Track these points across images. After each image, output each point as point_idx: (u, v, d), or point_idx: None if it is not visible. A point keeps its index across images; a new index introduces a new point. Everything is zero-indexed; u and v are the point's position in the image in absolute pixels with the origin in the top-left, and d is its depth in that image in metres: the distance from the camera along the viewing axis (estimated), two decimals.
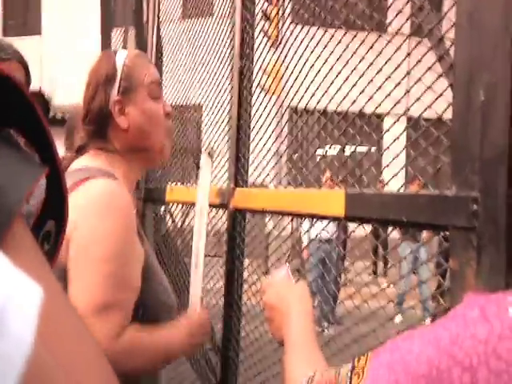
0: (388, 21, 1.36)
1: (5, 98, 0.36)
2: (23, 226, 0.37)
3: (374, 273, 8.16)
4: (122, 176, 1.33)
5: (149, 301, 1.28)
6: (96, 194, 1.22)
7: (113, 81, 1.35)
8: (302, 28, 1.79)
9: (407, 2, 1.18)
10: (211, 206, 2.37)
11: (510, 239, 0.88)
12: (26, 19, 16.08)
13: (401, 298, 5.52)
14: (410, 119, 1.33)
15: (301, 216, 1.66)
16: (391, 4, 1.30)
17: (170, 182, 2.97)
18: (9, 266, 0.34)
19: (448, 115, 1.06)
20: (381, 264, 8.63)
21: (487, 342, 0.56)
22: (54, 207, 0.43)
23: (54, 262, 0.43)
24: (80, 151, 1.39)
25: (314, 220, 1.65)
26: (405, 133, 1.39)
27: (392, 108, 1.33)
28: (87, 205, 1.20)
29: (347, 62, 1.49)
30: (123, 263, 1.20)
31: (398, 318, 5.15)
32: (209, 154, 1.68)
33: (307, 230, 1.86)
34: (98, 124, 1.35)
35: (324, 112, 1.69)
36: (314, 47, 1.68)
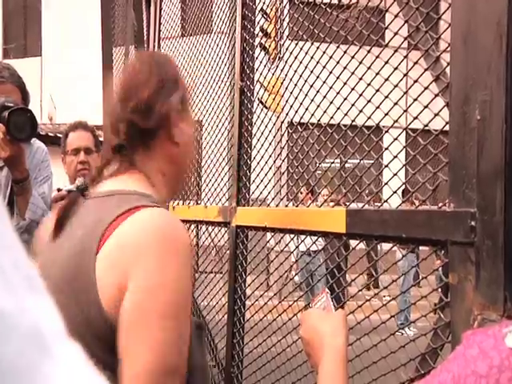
0: (386, 38, 1.40)
1: None
2: None
3: (374, 286, 8.10)
4: (159, 199, 1.13)
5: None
6: (158, 229, 1.02)
7: (177, 86, 1.16)
8: (303, 45, 1.82)
9: (404, 24, 1.22)
10: (213, 223, 2.40)
11: (507, 253, 0.91)
12: (26, 41, 16.27)
13: (405, 311, 5.51)
14: (411, 131, 1.36)
15: (302, 233, 1.69)
16: (389, 25, 1.34)
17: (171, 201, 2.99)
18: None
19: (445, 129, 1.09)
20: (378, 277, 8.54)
21: (488, 375, 0.58)
22: None
23: None
24: (106, 167, 1.18)
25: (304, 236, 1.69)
26: (404, 148, 1.42)
27: (391, 127, 1.37)
28: (148, 243, 1.00)
29: (347, 81, 1.52)
30: (186, 315, 1.01)
31: (410, 331, 5.16)
32: None
33: (297, 246, 1.88)
34: (148, 137, 1.14)
35: (325, 128, 1.72)
36: (315, 66, 1.71)
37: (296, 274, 2.14)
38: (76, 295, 1.04)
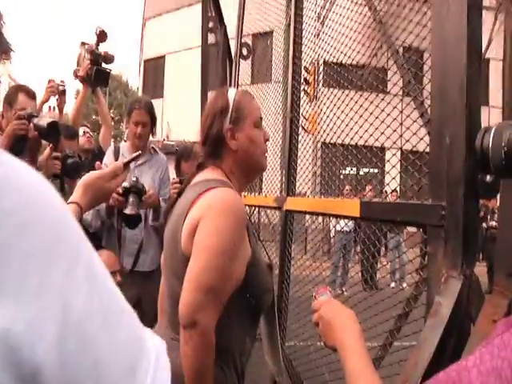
0: (388, 87, 1.41)
1: None
2: None
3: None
4: (233, 186, 1.16)
5: (254, 285, 1.10)
6: (219, 198, 1.06)
7: (226, 112, 1.18)
8: (333, 90, 1.83)
9: (398, 80, 1.23)
10: (271, 208, 2.45)
11: (465, 233, 0.91)
12: (155, 88, 16.96)
13: (393, 272, 5.39)
14: (404, 150, 1.36)
15: (330, 216, 1.70)
16: (390, 78, 1.35)
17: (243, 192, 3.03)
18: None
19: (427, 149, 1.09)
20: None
21: None
22: None
23: None
24: (199, 168, 1.22)
25: (338, 219, 1.70)
26: (399, 163, 1.42)
27: (390, 147, 1.38)
28: (211, 205, 1.05)
29: (362, 115, 1.54)
30: (232, 257, 1.02)
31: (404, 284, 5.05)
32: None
33: (334, 226, 1.90)
34: (214, 146, 1.19)
35: (344, 146, 1.73)
36: (341, 104, 1.73)
37: (331, 248, 2.14)
38: (174, 246, 1.10)
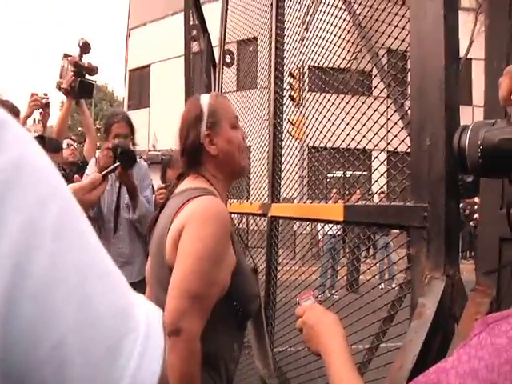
0: (370, 90, 1.41)
1: None
2: None
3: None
4: (216, 192, 1.15)
5: (239, 292, 1.09)
6: (202, 206, 1.05)
7: (200, 120, 1.17)
8: (320, 94, 1.84)
9: (380, 81, 1.24)
10: (256, 214, 2.44)
11: (447, 234, 0.91)
12: (141, 98, 16.91)
13: (381, 273, 5.42)
14: (387, 152, 1.36)
15: (315, 221, 1.71)
16: (371, 81, 1.35)
17: (229, 199, 3.03)
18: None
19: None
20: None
21: None
22: None
23: None
24: (180, 178, 1.22)
25: (324, 223, 1.70)
26: (385, 162, 1.42)
27: (374, 147, 1.38)
28: (194, 214, 1.04)
29: (344, 118, 1.54)
30: (216, 263, 1.02)
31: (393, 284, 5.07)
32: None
33: (320, 229, 1.89)
34: (193, 155, 1.18)
35: (330, 150, 1.73)
36: (325, 108, 1.73)
37: (319, 250, 2.14)
38: (160, 256, 1.09)
